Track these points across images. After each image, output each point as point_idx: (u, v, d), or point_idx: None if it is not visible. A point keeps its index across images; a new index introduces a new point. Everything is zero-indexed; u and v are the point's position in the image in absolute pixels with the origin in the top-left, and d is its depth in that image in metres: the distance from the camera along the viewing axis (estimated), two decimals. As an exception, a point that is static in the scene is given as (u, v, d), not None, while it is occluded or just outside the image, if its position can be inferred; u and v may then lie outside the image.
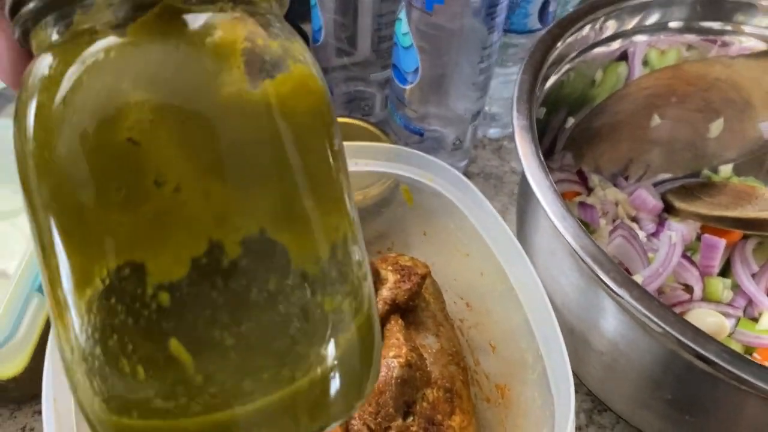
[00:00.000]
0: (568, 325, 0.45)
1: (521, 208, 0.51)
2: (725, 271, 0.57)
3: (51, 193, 0.19)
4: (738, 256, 0.57)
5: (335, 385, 0.21)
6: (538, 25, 0.63)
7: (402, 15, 0.55)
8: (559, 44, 0.50)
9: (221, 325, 0.18)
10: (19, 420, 0.49)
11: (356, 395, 0.22)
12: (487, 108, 0.69)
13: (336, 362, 0.21)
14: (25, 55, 0.21)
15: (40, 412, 0.50)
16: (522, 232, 0.51)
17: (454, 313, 0.53)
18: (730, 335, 0.53)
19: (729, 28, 0.55)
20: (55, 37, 0.20)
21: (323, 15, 0.62)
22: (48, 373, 0.38)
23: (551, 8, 0.62)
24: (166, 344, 0.18)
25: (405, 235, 0.56)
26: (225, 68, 0.19)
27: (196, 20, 0.19)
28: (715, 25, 0.56)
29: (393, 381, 0.43)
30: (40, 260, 0.20)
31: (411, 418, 0.44)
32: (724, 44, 0.56)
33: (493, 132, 0.72)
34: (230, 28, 0.19)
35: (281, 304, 0.19)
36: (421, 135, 0.63)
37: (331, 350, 0.21)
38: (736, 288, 0.56)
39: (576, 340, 0.45)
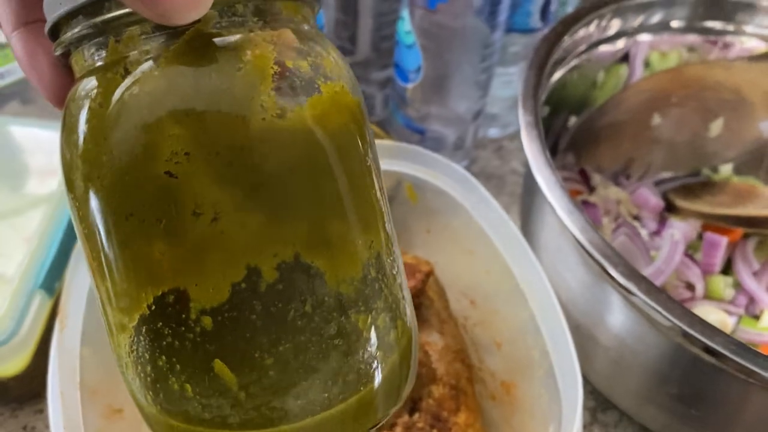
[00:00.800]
0: (573, 322, 0.45)
1: (525, 206, 0.51)
2: (727, 269, 0.58)
3: (100, 221, 0.20)
4: (739, 255, 0.57)
5: (374, 398, 0.22)
6: (540, 25, 0.63)
7: (405, 13, 0.56)
8: (563, 42, 0.50)
9: (261, 346, 0.19)
10: (20, 419, 0.49)
11: (393, 403, 0.23)
12: (487, 108, 0.69)
13: (375, 377, 0.21)
14: (66, 72, 0.22)
15: (41, 411, 0.50)
16: (526, 230, 0.51)
17: (458, 311, 0.53)
18: (732, 333, 0.53)
19: (730, 28, 0.56)
20: (94, 61, 0.20)
21: (324, 13, 0.62)
22: (54, 369, 0.37)
23: (552, 8, 0.62)
24: (210, 365, 0.19)
25: (408, 234, 0.56)
26: (255, 96, 0.19)
27: (225, 46, 0.19)
28: (717, 24, 0.56)
29: (399, 377, 0.43)
30: (93, 274, 0.21)
31: (417, 414, 0.44)
32: (725, 45, 0.57)
33: (494, 132, 0.72)
34: (260, 52, 0.19)
35: (318, 325, 0.20)
36: (423, 134, 0.63)
37: (370, 366, 0.21)
38: (738, 286, 0.56)
39: (582, 336, 0.45)
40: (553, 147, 0.61)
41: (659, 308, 0.35)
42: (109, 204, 0.19)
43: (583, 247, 0.38)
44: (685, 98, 0.61)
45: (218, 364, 0.19)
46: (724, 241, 0.55)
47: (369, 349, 0.21)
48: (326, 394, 0.20)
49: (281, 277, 0.19)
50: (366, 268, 0.21)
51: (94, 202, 0.19)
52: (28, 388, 0.48)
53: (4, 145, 0.56)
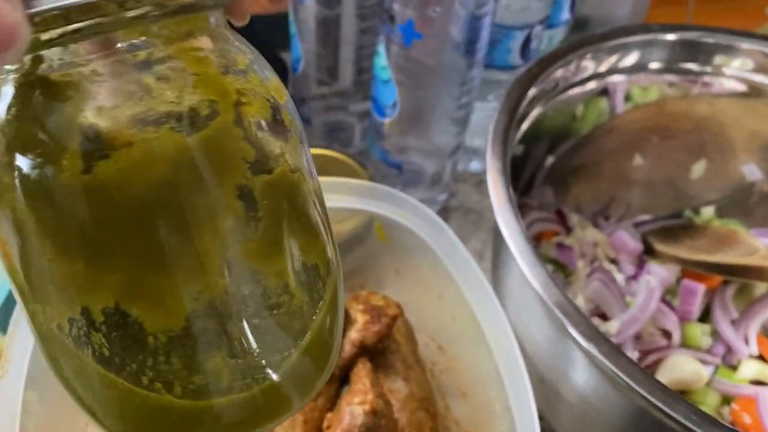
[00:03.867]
0: (539, 374, 0.44)
1: (496, 250, 0.50)
2: (705, 316, 0.56)
3: None
4: (718, 302, 0.56)
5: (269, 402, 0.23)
6: (520, 61, 0.62)
7: (381, 48, 0.55)
8: (536, 84, 0.49)
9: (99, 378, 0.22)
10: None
11: (297, 402, 0.24)
12: (468, 142, 0.68)
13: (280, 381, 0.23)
14: None
15: None
16: (496, 275, 0.50)
17: (426, 355, 0.52)
18: (708, 384, 0.52)
19: (709, 69, 0.55)
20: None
21: (303, 45, 0.61)
22: None
23: (533, 45, 0.61)
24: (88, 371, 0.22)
25: (378, 272, 0.54)
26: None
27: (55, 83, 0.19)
28: (695, 66, 0.55)
29: (357, 429, 0.42)
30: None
31: (374, 468, 0.42)
32: (705, 84, 0.56)
33: (475, 166, 0.71)
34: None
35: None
36: (400, 168, 0.62)
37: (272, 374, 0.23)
38: (715, 334, 0.55)
39: (547, 389, 0.44)
40: (530, 180, 0.59)
41: (619, 372, 0.34)
42: None
43: (546, 304, 0.37)
44: (670, 136, 0.60)
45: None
46: (701, 288, 0.54)
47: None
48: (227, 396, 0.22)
49: (106, 320, 0.21)
50: (190, 319, 0.21)
51: None
52: None
53: None
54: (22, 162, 0.19)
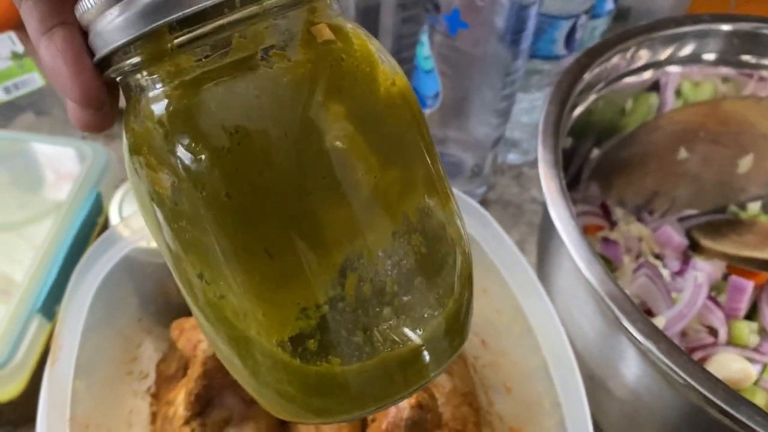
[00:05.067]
0: (588, 370, 0.43)
1: (543, 244, 0.49)
2: (752, 313, 0.55)
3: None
4: (765, 299, 0.54)
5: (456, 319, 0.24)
6: (564, 52, 0.61)
7: (424, 38, 0.54)
8: (587, 74, 0.48)
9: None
10: (14, 443, 0.48)
11: (450, 353, 0.24)
12: (508, 133, 0.67)
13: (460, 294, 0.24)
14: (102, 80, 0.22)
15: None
16: (542, 269, 0.49)
17: (469, 350, 0.51)
18: (756, 383, 0.51)
19: (766, 62, 0.53)
20: (150, 84, 0.21)
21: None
22: (43, 404, 0.36)
23: (578, 35, 0.60)
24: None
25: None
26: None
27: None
28: (752, 59, 0.53)
29: (403, 423, 0.42)
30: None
31: (420, 462, 0.42)
32: (761, 78, 0.54)
33: (513, 158, 0.70)
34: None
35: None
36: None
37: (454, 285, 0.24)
38: (763, 332, 0.54)
39: (596, 385, 0.43)
40: (576, 175, 0.58)
41: (680, 371, 0.33)
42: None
43: (602, 299, 0.36)
44: (716, 134, 0.59)
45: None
46: (750, 285, 0.53)
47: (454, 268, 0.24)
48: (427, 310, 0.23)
49: (420, 218, 0.22)
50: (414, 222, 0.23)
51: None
52: (24, 412, 0.47)
53: (17, 158, 0.56)
54: (182, 150, 0.20)
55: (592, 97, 0.51)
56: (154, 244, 0.46)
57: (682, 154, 0.59)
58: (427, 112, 0.58)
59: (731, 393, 0.33)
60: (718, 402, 0.32)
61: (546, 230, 0.47)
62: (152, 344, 0.51)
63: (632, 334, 0.35)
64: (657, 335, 0.34)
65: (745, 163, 0.60)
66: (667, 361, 0.34)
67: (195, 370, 0.41)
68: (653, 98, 0.55)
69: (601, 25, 0.67)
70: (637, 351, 0.37)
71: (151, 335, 0.50)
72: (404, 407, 0.42)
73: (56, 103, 0.65)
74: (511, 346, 0.46)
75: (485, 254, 0.47)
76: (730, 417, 0.33)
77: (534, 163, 0.70)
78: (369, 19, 0.59)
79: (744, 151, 0.59)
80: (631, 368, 0.39)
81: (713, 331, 0.53)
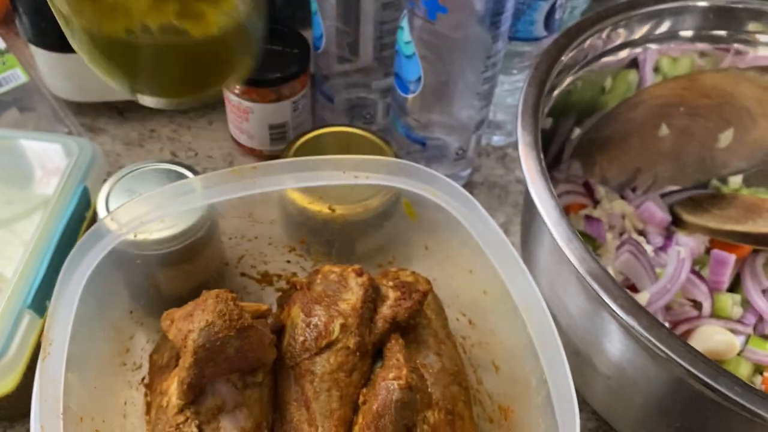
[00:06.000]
0: (573, 347, 0.44)
1: (526, 224, 0.50)
2: (735, 286, 0.56)
3: None
4: (748, 272, 0.55)
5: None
6: (544, 33, 0.61)
7: (404, 23, 0.54)
8: (565, 55, 0.48)
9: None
10: (11, 438, 0.48)
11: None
12: (491, 115, 0.68)
13: None
14: None
15: (32, 431, 0.49)
16: (527, 249, 0.49)
17: (457, 330, 0.52)
18: (740, 353, 0.52)
19: (742, 37, 0.54)
20: None
21: (324, 22, 0.61)
22: (36, 400, 0.37)
23: (557, 15, 0.60)
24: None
25: (407, 249, 0.54)
26: None
27: None
28: (727, 33, 0.54)
29: (393, 404, 0.42)
30: None
31: (411, 442, 0.43)
32: (738, 52, 0.55)
33: (497, 140, 0.71)
34: None
35: None
36: (424, 144, 0.62)
37: None
38: (746, 304, 0.55)
39: (581, 362, 0.44)
40: (557, 155, 0.59)
41: (661, 345, 0.34)
42: None
43: (583, 277, 0.37)
44: (697, 107, 0.59)
45: None
46: (732, 258, 0.54)
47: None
48: None
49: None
50: None
51: None
52: (18, 408, 0.47)
53: (3, 155, 0.56)
54: None
55: (570, 78, 0.51)
56: (141, 236, 0.47)
57: (663, 130, 0.60)
58: (409, 96, 0.58)
59: (712, 365, 0.34)
60: (699, 374, 0.33)
61: (528, 210, 0.47)
62: (144, 336, 0.51)
63: (614, 310, 0.35)
64: (638, 311, 0.35)
65: (726, 137, 0.60)
66: (648, 335, 0.35)
67: (186, 360, 0.41)
68: (632, 75, 0.56)
69: (581, 4, 0.67)
70: (620, 327, 0.38)
71: (142, 327, 0.51)
72: (394, 389, 0.43)
73: (40, 100, 0.65)
74: (498, 326, 0.47)
75: (471, 237, 0.47)
76: (711, 388, 0.34)
77: (517, 145, 0.70)
78: (349, 6, 0.59)
79: (725, 124, 0.60)
80: (614, 344, 0.40)
81: (697, 305, 0.54)
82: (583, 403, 0.50)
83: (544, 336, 0.41)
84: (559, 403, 0.39)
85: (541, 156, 0.41)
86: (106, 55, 0.47)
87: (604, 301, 0.36)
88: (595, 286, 0.36)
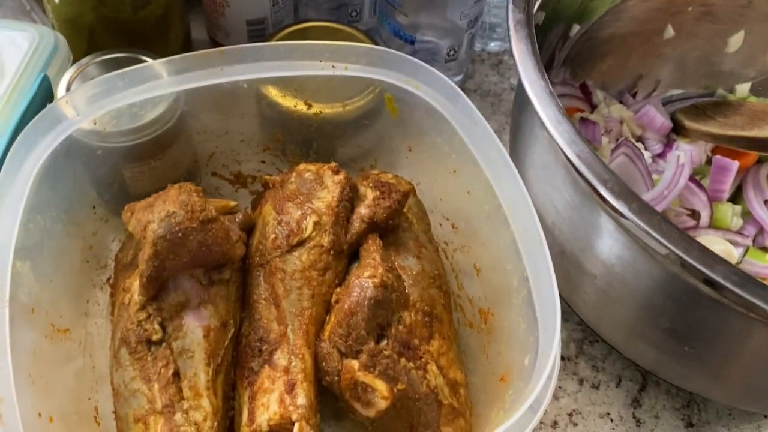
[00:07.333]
0: (559, 246, 0.41)
1: (515, 120, 0.46)
2: (735, 197, 0.53)
3: None
4: (751, 181, 0.52)
5: None
6: None
7: None
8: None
9: None
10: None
11: None
12: (486, 17, 0.63)
13: None
14: None
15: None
16: (515, 148, 0.46)
17: (440, 236, 0.49)
18: (737, 264, 0.49)
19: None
20: None
21: None
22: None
23: None
24: None
25: (389, 152, 0.51)
26: None
27: None
28: None
29: (365, 302, 0.40)
30: None
31: (384, 341, 0.40)
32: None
33: (493, 45, 0.67)
34: None
35: None
36: (413, 44, 0.58)
37: None
38: (747, 216, 0.52)
39: (567, 262, 0.41)
40: (548, 63, 0.55)
41: (653, 232, 0.31)
42: None
43: (570, 161, 0.33)
44: (708, 5, 0.55)
45: None
46: (735, 165, 0.50)
47: None
48: None
49: None
50: None
51: None
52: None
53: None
54: None
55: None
56: (102, 125, 0.43)
57: (669, 32, 0.56)
58: (398, -9, 0.54)
59: (707, 253, 0.31)
60: (693, 262, 0.31)
61: (519, 102, 0.44)
62: (111, 234, 0.49)
63: (603, 195, 0.32)
64: (629, 195, 0.32)
65: (736, 41, 0.56)
66: (640, 222, 0.32)
67: (146, 251, 0.39)
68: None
69: None
70: (609, 217, 0.35)
71: (107, 224, 0.48)
72: (367, 287, 0.40)
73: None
74: (481, 226, 0.44)
75: (456, 134, 0.44)
76: (706, 279, 0.31)
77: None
78: None
79: (736, 26, 0.55)
80: (603, 238, 0.37)
81: (695, 215, 0.51)
82: (569, 312, 0.48)
83: (527, 232, 0.38)
84: (540, 300, 0.36)
85: (534, 35, 0.38)
86: None
87: (592, 185, 0.33)
88: (583, 169, 0.33)
